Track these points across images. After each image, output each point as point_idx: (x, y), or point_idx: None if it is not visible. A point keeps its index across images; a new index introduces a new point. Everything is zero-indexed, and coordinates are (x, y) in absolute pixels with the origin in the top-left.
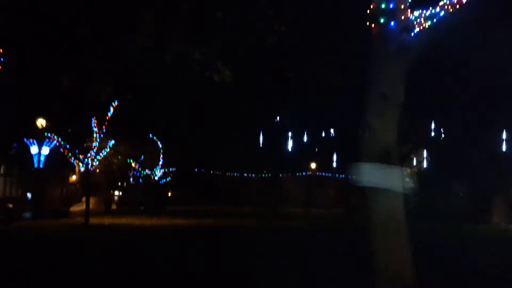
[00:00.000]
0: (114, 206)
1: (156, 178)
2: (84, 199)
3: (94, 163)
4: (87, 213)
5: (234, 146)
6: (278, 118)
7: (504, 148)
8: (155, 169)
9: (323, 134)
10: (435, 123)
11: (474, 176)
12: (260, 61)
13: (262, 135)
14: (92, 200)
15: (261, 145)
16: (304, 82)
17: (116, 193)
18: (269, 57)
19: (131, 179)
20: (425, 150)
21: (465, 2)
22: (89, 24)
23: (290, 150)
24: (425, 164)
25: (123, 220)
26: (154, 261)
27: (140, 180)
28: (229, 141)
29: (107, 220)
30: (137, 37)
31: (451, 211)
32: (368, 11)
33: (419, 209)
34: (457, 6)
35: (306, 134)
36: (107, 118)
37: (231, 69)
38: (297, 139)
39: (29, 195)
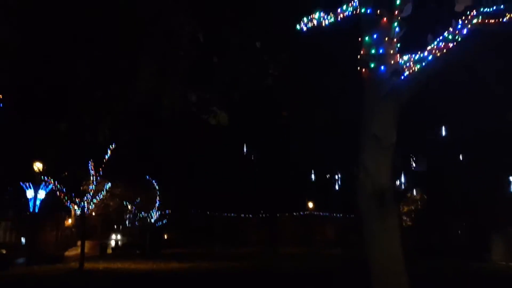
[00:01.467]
0: (109, 250)
1: (152, 220)
2: (79, 243)
3: (90, 206)
4: (82, 258)
5: (231, 186)
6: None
7: (502, 185)
8: (151, 211)
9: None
10: (431, 160)
11: (472, 213)
12: (256, 102)
13: (259, 174)
14: (87, 244)
15: (258, 184)
16: (300, 122)
17: (112, 236)
18: (265, 98)
19: (127, 222)
20: (420, 189)
21: (452, 47)
22: (89, 67)
23: (287, 189)
24: (422, 202)
25: (118, 265)
26: None
27: (136, 223)
28: (226, 182)
29: (102, 265)
30: (136, 81)
31: (449, 248)
32: (358, 56)
33: (418, 247)
34: (444, 51)
35: (304, 173)
36: (104, 160)
37: (227, 111)
38: (296, 178)
39: (23, 240)
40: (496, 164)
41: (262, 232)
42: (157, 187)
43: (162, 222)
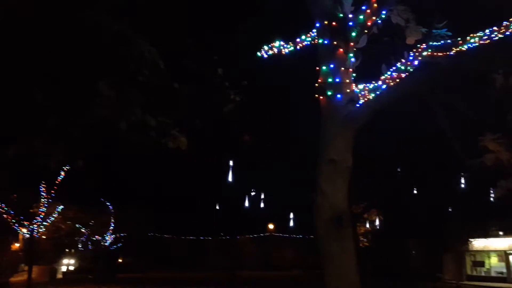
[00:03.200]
0: (60, 275)
1: (106, 243)
2: (27, 268)
3: (40, 229)
4: (28, 284)
5: (189, 209)
6: (232, 179)
7: (450, 208)
8: (105, 234)
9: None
10: (386, 184)
11: (426, 235)
12: (216, 127)
13: (218, 198)
14: (36, 269)
15: (217, 208)
16: (261, 146)
17: (64, 261)
18: (226, 123)
19: (79, 246)
20: (377, 211)
21: (404, 77)
22: (43, 92)
23: (247, 211)
24: (378, 223)
25: None
26: None
27: (90, 247)
28: (183, 205)
29: None
30: (93, 106)
31: (405, 269)
32: (316, 85)
33: (374, 268)
34: (397, 80)
35: (264, 196)
36: (57, 182)
37: (186, 136)
38: (254, 201)
39: None
40: (443, 191)
41: (222, 255)
42: (112, 210)
43: (117, 246)
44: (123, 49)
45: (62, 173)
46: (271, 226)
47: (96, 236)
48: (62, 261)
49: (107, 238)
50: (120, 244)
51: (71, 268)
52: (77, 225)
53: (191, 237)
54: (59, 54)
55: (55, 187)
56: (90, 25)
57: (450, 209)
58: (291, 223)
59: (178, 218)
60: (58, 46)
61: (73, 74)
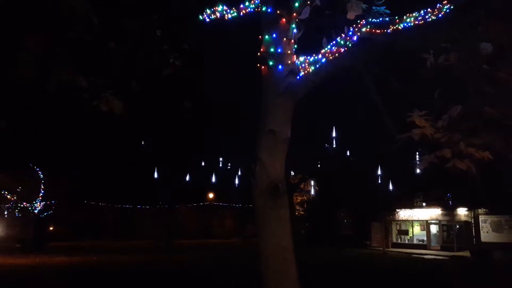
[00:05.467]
0: None
1: (35, 211)
2: None
3: None
4: None
5: (126, 176)
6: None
7: (379, 180)
8: (34, 201)
9: (221, 164)
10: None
11: (356, 205)
12: (155, 91)
13: (158, 165)
14: None
15: (156, 176)
16: (202, 113)
17: None
18: (166, 88)
19: (5, 213)
20: (312, 181)
21: (343, 52)
22: None
23: (187, 180)
24: (313, 193)
25: None
26: None
27: (17, 214)
28: (120, 171)
29: None
30: (17, 63)
31: (336, 237)
32: (258, 54)
33: (309, 236)
34: (336, 55)
35: (204, 164)
36: None
37: (122, 99)
38: (194, 169)
39: None
40: (375, 162)
41: (159, 224)
42: (41, 176)
43: (48, 213)
44: (52, 1)
45: None
46: (211, 195)
47: (24, 203)
48: None
49: (36, 205)
50: (51, 211)
51: None
52: (2, 191)
53: (127, 206)
54: None
55: None
56: None
57: (379, 181)
58: (231, 192)
59: (114, 186)
60: None
61: None
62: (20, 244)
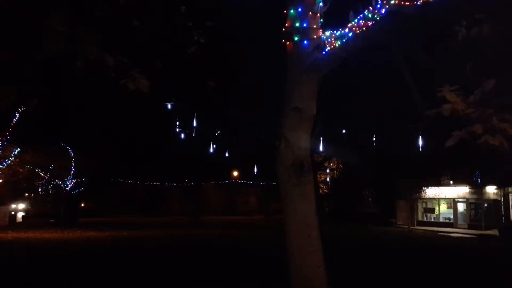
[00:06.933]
0: (20, 219)
1: (67, 188)
2: None
3: None
4: None
5: (154, 154)
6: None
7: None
8: (66, 179)
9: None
10: (346, 134)
11: (381, 183)
12: (180, 70)
13: (183, 143)
14: None
15: (182, 154)
16: (226, 92)
17: (22, 205)
18: (190, 66)
19: (39, 190)
20: (337, 160)
21: (370, 26)
22: None
23: (212, 158)
24: (339, 171)
25: (30, 235)
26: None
27: (50, 191)
28: (148, 150)
29: (11, 235)
30: (44, 42)
31: (361, 214)
32: (283, 29)
33: (333, 213)
34: (364, 29)
35: (228, 143)
36: (11, 124)
37: (148, 77)
38: (219, 148)
39: None
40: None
41: (186, 201)
42: (72, 154)
43: (79, 190)
44: None
45: (17, 114)
46: (235, 173)
47: (57, 181)
48: (21, 206)
49: (68, 183)
50: (82, 189)
51: (31, 212)
52: (36, 169)
53: (155, 183)
54: None
55: (10, 129)
56: None
57: (406, 159)
58: (255, 170)
59: (142, 165)
60: None
61: (22, 7)
62: (53, 219)
